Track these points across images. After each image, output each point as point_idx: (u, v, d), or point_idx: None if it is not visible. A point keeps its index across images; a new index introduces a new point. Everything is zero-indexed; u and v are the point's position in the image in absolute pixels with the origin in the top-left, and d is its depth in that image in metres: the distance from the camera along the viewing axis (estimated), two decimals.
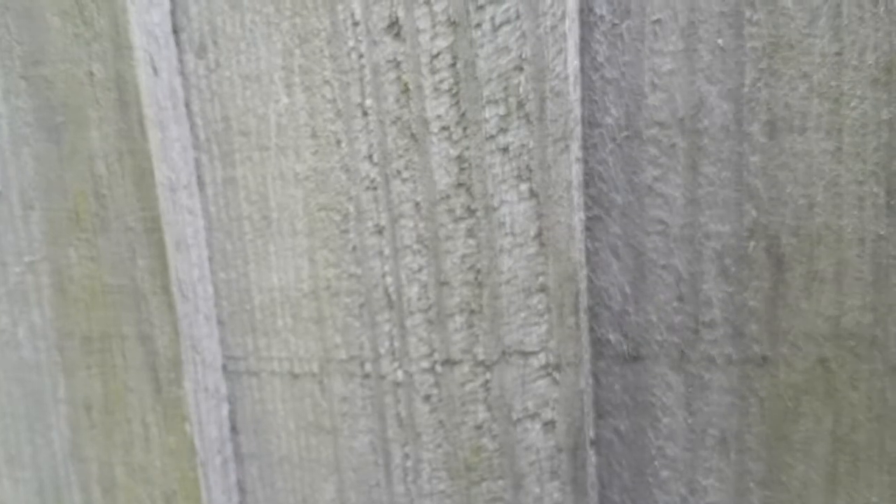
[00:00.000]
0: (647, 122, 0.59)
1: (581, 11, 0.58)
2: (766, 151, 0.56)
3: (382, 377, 0.64)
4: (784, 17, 0.55)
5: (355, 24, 0.60)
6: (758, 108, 0.56)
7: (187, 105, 0.65)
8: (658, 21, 0.57)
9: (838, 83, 0.54)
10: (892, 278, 0.56)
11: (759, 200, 0.57)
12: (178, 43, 0.64)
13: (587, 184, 0.60)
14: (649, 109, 0.59)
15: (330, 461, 0.66)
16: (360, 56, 0.60)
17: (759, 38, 0.55)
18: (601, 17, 0.58)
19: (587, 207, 0.60)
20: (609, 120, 0.59)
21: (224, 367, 0.68)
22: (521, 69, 0.58)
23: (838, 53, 0.54)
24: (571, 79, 0.57)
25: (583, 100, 0.59)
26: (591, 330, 0.61)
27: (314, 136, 0.62)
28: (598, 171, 0.60)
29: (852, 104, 0.54)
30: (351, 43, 0.60)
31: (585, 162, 0.60)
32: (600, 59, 0.59)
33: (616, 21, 0.58)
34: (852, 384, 0.56)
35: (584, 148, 0.60)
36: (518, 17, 0.57)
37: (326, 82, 0.61)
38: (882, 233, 0.55)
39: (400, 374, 0.63)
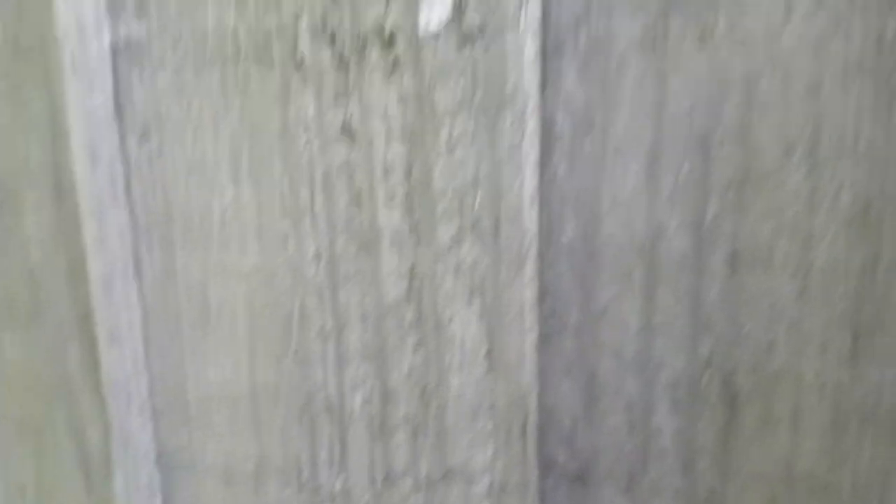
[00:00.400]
0: (604, 243, 0.49)
1: (542, 127, 0.48)
2: (726, 285, 0.44)
3: (320, 486, 0.53)
4: (756, 149, 0.46)
5: (307, 124, 0.49)
6: (721, 240, 0.44)
7: (128, 190, 0.53)
8: (621, 141, 0.47)
9: (809, 222, 0.43)
10: (852, 427, 0.47)
11: (716, 335, 0.44)
12: (120, 126, 0.52)
13: (541, 299, 0.50)
14: (608, 228, 0.49)
15: None
16: (312, 157, 0.49)
17: (727, 168, 0.44)
18: (562, 132, 0.48)
19: (540, 322, 0.51)
20: (565, 238, 0.49)
21: (158, 459, 0.57)
22: (477, 187, 0.46)
23: (812, 190, 0.45)
24: (528, 202, 0.47)
25: (540, 215, 0.49)
26: (540, 447, 0.51)
27: (260, 232, 0.49)
28: (552, 288, 0.50)
29: (823, 245, 0.44)
30: (303, 142, 0.49)
31: (540, 278, 0.50)
32: (560, 174, 0.49)
33: (577, 138, 0.48)
34: None
35: (540, 263, 0.50)
36: (476, 133, 0.46)
37: (274, 179, 0.50)
38: (845, 381, 0.45)
39: (338, 485, 0.53)
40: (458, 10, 0.41)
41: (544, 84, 0.46)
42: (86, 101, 0.46)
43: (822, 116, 0.41)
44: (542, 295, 0.48)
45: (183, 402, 0.52)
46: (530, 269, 0.45)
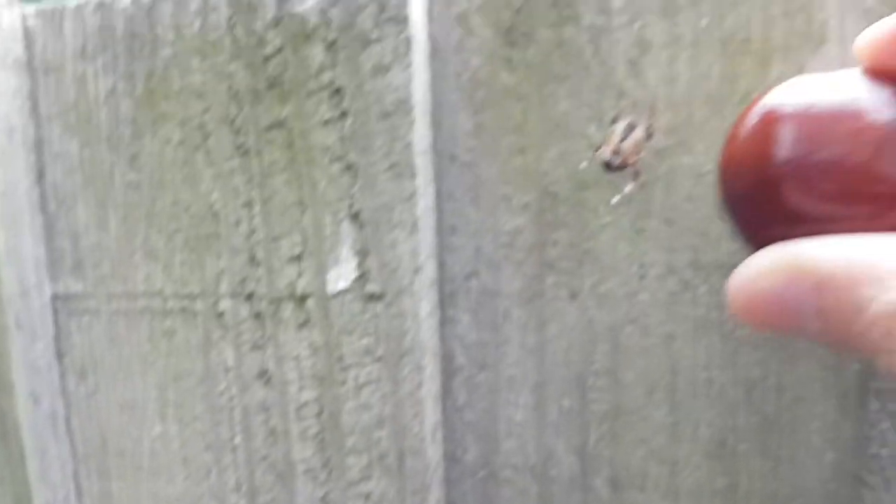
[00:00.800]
0: (502, 464, 0.46)
1: (443, 361, 0.47)
2: None
3: None
4: (624, 386, 0.44)
5: (227, 370, 0.46)
6: (602, 464, 0.40)
7: (68, 422, 0.49)
8: (512, 376, 0.46)
9: (675, 451, 0.39)
10: None
11: None
12: (60, 368, 0.49)
13: None
14: (504, 454, 0.46)
15: None
16: (232, 398, 0.44)
17: (601, 402, 0.40)
18: (461, 367, 0.47)
19: None
20: (468, 458, 0.47)
21: None
22: (382, 425, 0.42)
23: (674, 424, 0.40)
24: (429, 436, 0.42)
25: (445, 438, 0.47)
26: None
27: (185, 463, 0.44)
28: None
29: (687, 471, 0.40)
30: (223, 386, 0.44)
31: (447, 495, 0.48)
32: (460, 403, 0.47)
33: (474, 372, 0.47)
34: None
35: (446, 481, 0.47)
36: (380, 379, 0.42)
37: (197, 418, 0.43)
38: None
39: None
40: (361, 278, 0.40)
41: (443, 324, 0.45)
42: (29, 351, 0.43)
43: (678, 363, 0.41)
44: None
45: None
46: (434, 496, 0.42)
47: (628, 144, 0.36)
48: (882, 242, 0.24)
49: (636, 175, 0.37)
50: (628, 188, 0.37)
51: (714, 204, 0.37)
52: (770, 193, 0.25)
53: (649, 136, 0.37)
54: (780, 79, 0.36)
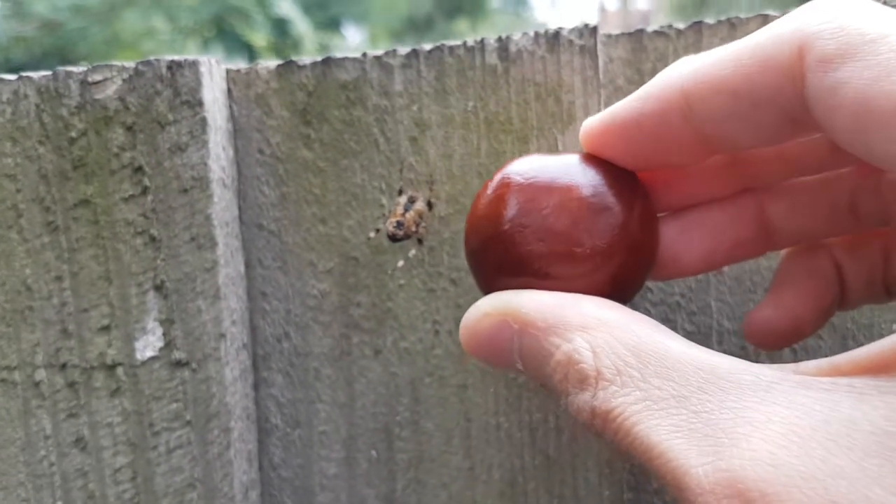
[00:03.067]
0: None
1: (259, 421, 0.47)
2: None
3: None
4: (425, 435, 0.41)
5: (46, 437, 0.44)
6: None
7: None
8: (324, 432, 0.43)
9: (472, 493, 0.39)
10: None
11: None
12: None
13: None
14: None
15: None
16: (52, 464, 0.40)
17: (406, 451, 0.39)
18: (276, 425, 0.45)
19: None
20: None
21: None
22: (193, 486, 0.39)
23: (471, 468, 0.39)
24: (239, 497, 0.38)
25: (262, 494, 0.47)
26: None
27: None
28: None
29: None
30: (42, 453, 0.40)
31: None
32: (276, 460, 0.46)
33: (289, 430, 0.46)
34: None
35: None
36: (190, 442, 0.39)
37: (21, 483, 0.43)
38: None
39: None
40: (168, 346, 0.40)
41: (258, 386, 0.45)
42: None
43: (470, 410, 0.42)
44: None
45: None
46: None
47: (410, 216, 0.38)
48: (575, 300, 0.26)
49: (420, 242, 0.39)
50: (412, 253, 0.39)
51: None
52: (498, 248, 0.27)
53: (430, 206, 0.39)
54: (539, 153, 0.38)
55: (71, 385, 0.39)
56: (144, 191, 0.37)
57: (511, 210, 0.27)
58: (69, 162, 0.38)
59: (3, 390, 0.40)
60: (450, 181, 0.38)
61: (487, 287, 0.29)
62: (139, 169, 0.37)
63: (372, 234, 0.38)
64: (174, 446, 0.38)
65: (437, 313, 0.39)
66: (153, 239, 0.37)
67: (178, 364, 0.38)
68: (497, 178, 0.29)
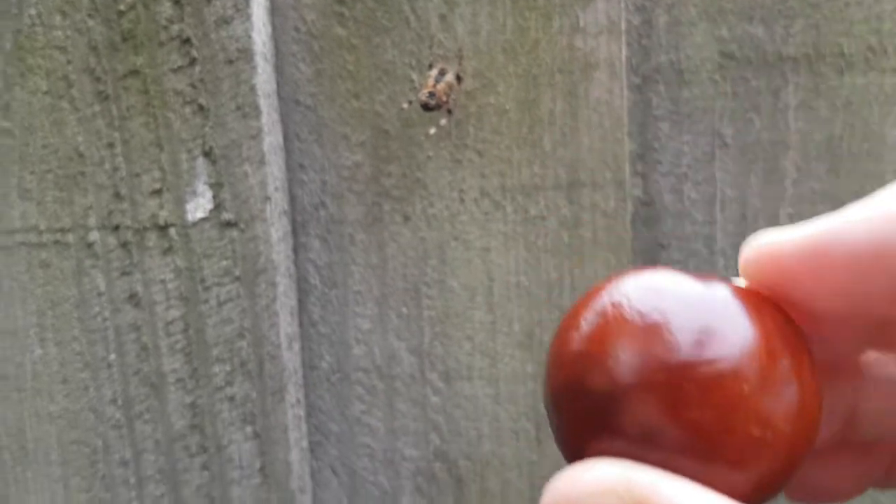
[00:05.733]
0: (353, 367, 0.44)
1: (299, 281, 0.50)
2: (443, 394, 0.43)
3: None
4: (452, 294, 0.43)
5: (100, 294, 0.44)
6: (436, 360, 0.43)
7: None
8: (358, 292, 0.44)
9: (494, 344, 0.43)
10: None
11: (440, 432, 0.43)
12: None
13: (309, 414, 0.49)
14: (355, 358, 0.45)
15: None
16: (105, 320, 0.42)
17: (433, 308, 0.42)
18: (314, 286, 0.46)
19: (310, 434, 0.48)
20: (324, 365, 0.50)
21: None
22: (242, 336, 0.41)
23: (492, 322, 0.43)
24: (284, 344, 0.42)
25: (302, 348, 0.50)
26: None
27: (65, 382, 0.43)
28: (318, 405, 0.47)
29: (504, 360, 0.43)
30: (96, 309, 0.42)
31: (307, 398, 0.50)
32: (315, 317, 0.48)
33: (326, 290, 0.48)
34: None
35: (306, 387, 0.46)
36: (239, 296, 0.40)
37: (75, 339, 0.42)
38: (534, 459, 0.43)
39: None
40: (217, 207, 0.42)
41: (297, 250, 0.47)
42: None
43: (493, 271, 0.45)
44: (310, 412, 0.48)
45: None
46: (292, 396, 0.45)
47: (441, 87, 0.40)
48: None
49: (450, 113, 0.41)
50: (442, 122, 0.41)
51: (515, 135, 0.42)
52: (605, 406, 0.18)
53: (459, 79, 0.41)
54: (561, 30, 0.40)
55: (124, 245, 0.41)
56: (192, 62, 0.39)
57: (630, 360, 0.18)
58: (118, 34, 0.39)
59: (57, 252, 0.42)
60: (476, 57, 0.40)
61: (575, 449, 0.20)
62: (187, 41, 0.39)
63: (405, 105, 0.40)
64: (224, 300, 0.41)
65: (463, 182, 0.41)
66: (201, 108, 0.39)
67: (228, 224, 0.40)
68: (605, 300, 0.19)
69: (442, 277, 0.43)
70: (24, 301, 0.42)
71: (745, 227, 0.42)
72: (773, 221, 0.42)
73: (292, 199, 0.43)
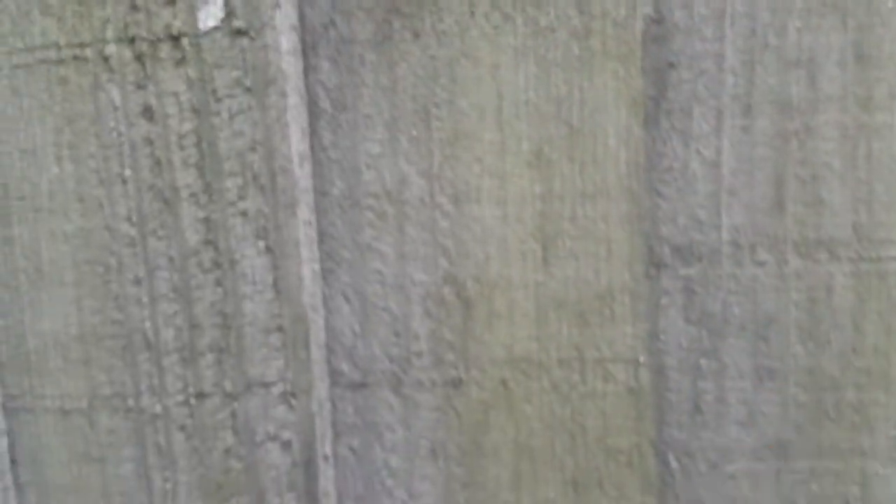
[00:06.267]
0: (364, 193, 0.44)
1: (308, 104, 0.49)
2: (452, 218, 0.43)
3: (143, 410, 0.44)
4: (461, 114, 0.42)
5: (115, 108, 0.44)
6: (445, 183, 0.43)
7: None
8: (368, 115, 0.43)
9: (502, 165, 0.43)
10: (550, 315, 0.44)
11: (449, 255, 0.43)
12: None
13: (321, 241, 0.48)
14: (365, 183, 0.44)
15: (99, 487, 0.45)
16: (120, 134, 0.42)
17: (443, 130, 0.42)
18: (324, 109, 0.47)
19: (322, 261, 0.47)
20: (335, 191, 0.50)
21: (3, 406, 0.50)
22: (254, 150, 0.41)
23: (501, 142, 0.42)
24: (296, 159, 0.42)
25: (314, 174, 0.49)
26: (329, 363, 0.49)
27: (81, 200, 0.43)
28: (329, 232, 0.47)
29: (513, 181, 0.42)
30: (112, 123, 0.42)
31: (319, 224, 0.49)
32: (325, 142, 0.49)
33: (336, 113, 0.48)
34: (527, 400, 0.45)
35: (317, 212, 0.45)
36: (250, 108, 0.40)
37: (91, 155, 0.42)
38: (540, 280, 0.43)
39: (158, 408, 0.46)
40: (228, 15, 0.42)
41: (307, 72, 0.47)
42: None
43: (502, 87, 0.45)
44: (322, 238, 0.48)
45: (24, 352, 0.47)
46: (304, 213, 0.45)
47: None
48: None
49: None
50: None
51: None
52: None
53: None
54: None
55: (138, 57, 0.41)
56: None
57: None
58: None
59: (75, 67, 0.42)
60: None
61: None
62: None
63: None
64: (236, 111, 0.41)
65: None
66: None
67: (239, 32, 0.40)
68: None
69: (451, 97, 0.43)
70: (42, 119, 0.43)
71: (755, 42, 0.42)
72: (783, 36, 0.42)
73: (302, 17, 0.43)
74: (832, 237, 0.43)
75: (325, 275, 0.45)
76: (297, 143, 0.42)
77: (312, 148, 0.44)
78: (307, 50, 0.44)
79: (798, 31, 0.42)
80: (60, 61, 0.42)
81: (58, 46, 0.42)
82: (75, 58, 0.42)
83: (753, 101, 0.43)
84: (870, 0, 0.41)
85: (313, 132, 0.44)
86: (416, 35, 0.42)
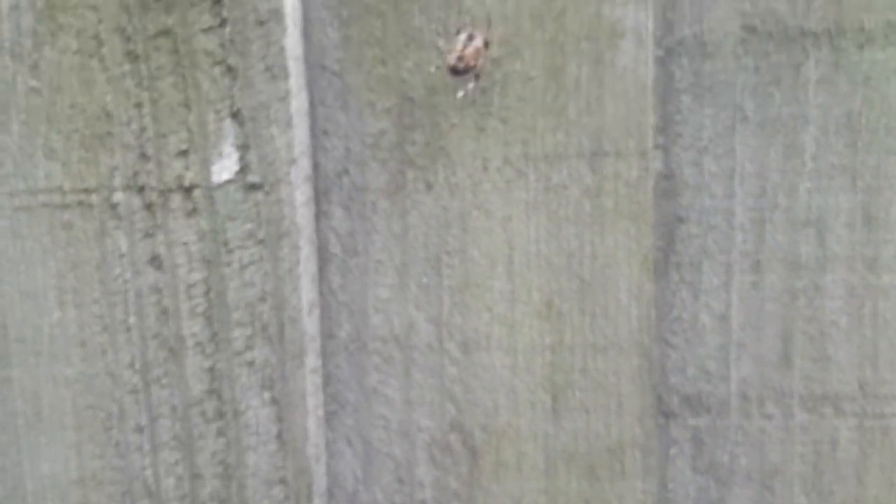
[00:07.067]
0: (371, 337, 0.43)
1: (319, 251, 0.49)
2: (461, 364, 0.43)
3: None
4: (472, 263, 0.42)
5: (122, 255, 0.43)
6: (454, 330, 0.42)
7: None
8: (379, 261, 0.43)
9: (512, 314, 0.42)
10: (560, 467, 0.43)
11: (457, 402, 0.43)
12: None
13: (326, 384, 0.48)
14: (373, 327, 0.44)
15: None
16: (126, 282, 0.41)
17: (453, 277, 0.42)
18: (335, 254, 0.47)
19: (326, 403, 0.48)
20: (342, 334, 0.49)
21: None
22: (264, 300, 0.41)
23: (512, 292, 0.42)
24: (305, 308, 0.43)
25: (321, 317, 0.49)
26: None
27: (83, 346, 0.41)
28: (334, 375, 0.46)
29: (523, 330, 0.42)
30: (118, 270, 0.41)
31: (324, 367, 0.48)
32: (334, 286, 0.49)
33: (346, 258, 0.48)
34: None
35: (323, 355, 0.44)
36: (262, 259, 0.40)
37: (95, 301, 0.41)
38: (550, 431, 0.43)
39: None
40: (243, 169, 0.42)
41: (318, 218, 0.47)
42: None
43: (514, 239, 0.45)
44: (327, 381, 0.47)
45: (21, 495, 0.46)
46: (311, 362, 0.44)
47: (469, 51, 0.40)
48: None
49: (477, 78, 0.41)
50: (470, 86, 0.41)
51: (540, 103, 0.41)
52: None
53: (487, 45, 0.41)
54: None
55: (148, 206, 0.40)
56: (223, 22, 0.39)
57: None
58: None
59: (80, 212, 0.41)
60: (504, 23, 0.40)
61: None
62: (218, 1, 0.39)
63: (433, 69, 0.40)
64: (247, 262, 0.40)
65: (487, 150, 0.41)
66: (230, 69, 0.39)
67: (253, 187, 0.40)
68: None
69: (463, 247, 0.42)
70: (44, 263, 0.42)
71: (765, 201, 0.42)
72: (793, 196, 0.42)
73: (315, 165, 0.43)
74: (838, 393, 0.43)
75: (329, 418, 0.44)
76: (307, 292, 0.41)
77: (321, 291, 0.44)
78: (319, 196, 0.43)
79: (808, 191, 0.42)
80: (65, 206, 0.41)
81: (62, 191, 0.41)
82: (80, 203, 0.41)
83: (762, 257, 0.43)
84: (878, 163, 0.41)
85: (322, 276, 0.44)
86: (429, 186, 0.42)
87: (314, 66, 0.42)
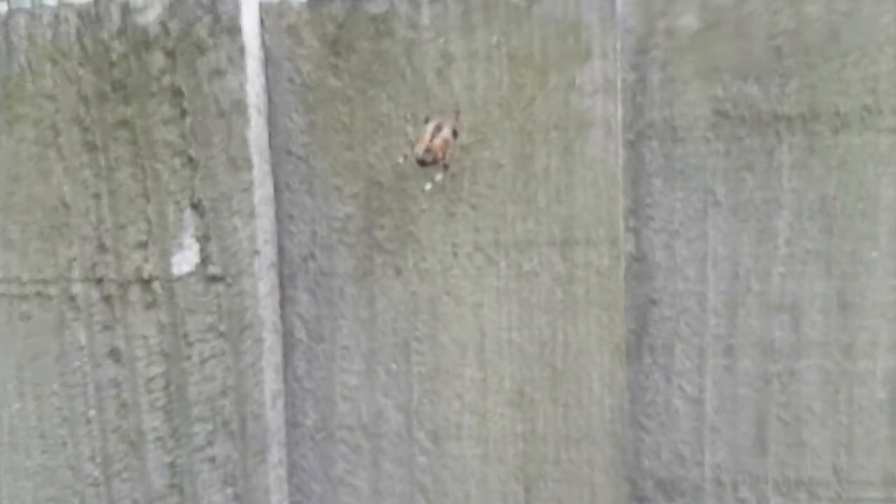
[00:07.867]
0: (338, 425, 0.42)
1: (284, 336, 0.48)
2: (431, 454, 0.41)
3: None
4: (442, 350, 0.41)
5: (81, 348, 0.43)
6: (424, 419, 0.41)
7: None
8: (346, 347, 0.43)
9: (484, 402, 0.41)
10: None
11: (427, 493, 0.41)
12: None
13: (291, 475, 0.45)
14: (340, 415, 0.43)
15: None
16: (85, 375, 0.40)
17: (423, 364, 0.41)
18: (300, 340, 0.45)
19: (291, 494, 0.44)
20: (308, 422, 0.47)
21: None
22: (225, 394, 0.39)
23: (483, 380, 0.41)
24: (268, 402, 0.42)
25: (286, 405, 0.48)
26: None
27: (42, 437, 0.40)
28: (300, 464, 0.43)
29: (495, 420, 0.41)
30: (77, 363, 0.40)
31: (289, 457, 0.47)
32: (300, 372, 0.47)
33: (312, 344, 0.47)
34: None
35: (288, 445, 0.42)
36: (223, 353, 0.39)
37: (54, 393, 0.40)
38: None
39: None
40: (204, 261, 0.41)
41: (283, 303, 0.46)
42: None
43: (485, 326, 0.44)
44: (292, 471, 0.46)
45: None
46: (274, 456, 0.43)
47: (437, 143, 0.39)
48: None
49: (446, 168, 0.40)
50: (438, 177, 0.40)
51: (510, 190, 0.40)
52: None
53: (455, 134, 0.40)
54: (557, 88, 0.40)
55: (107, 299, 0.39)
56: (183, 113, 0.38)
57: None
58: (109, 84, 0.38)
59: (38, 304, 0.40)
60: (473, 112, 0.39)
61: None
62: (178, 92, 0.37)
63: (400, 160, 0.39)
64: (208, 356, 0.39)
65: (457, 236, 0.40)
66: (191, 159, 0.38)
67: (214, 279, 0.38)
68: None
69: (433, 333, 0.41)
70: (3, 353, 0.40)
71: (738, 285, 0.41)
72: (766, 281, 0.41)
73: (280, 250, 0.41)
74: (812, 478, 0.42)
75: None
76: (270, 384, 0.40)
77: (286, 379, 0.42)
78: (284, 281, 0.42)
79: (782, 276, 0.41)
80: (23, 296, 0.40)
81: (20, 282, 0.40)
82: (39, 294, 0.40)
83: (736, 342, 0.42)
84: (854, 249, 0.40)
85: (287, 363, 0.42)
86: (398, 272, 0.41)
87: (279, 150, 0.41)
